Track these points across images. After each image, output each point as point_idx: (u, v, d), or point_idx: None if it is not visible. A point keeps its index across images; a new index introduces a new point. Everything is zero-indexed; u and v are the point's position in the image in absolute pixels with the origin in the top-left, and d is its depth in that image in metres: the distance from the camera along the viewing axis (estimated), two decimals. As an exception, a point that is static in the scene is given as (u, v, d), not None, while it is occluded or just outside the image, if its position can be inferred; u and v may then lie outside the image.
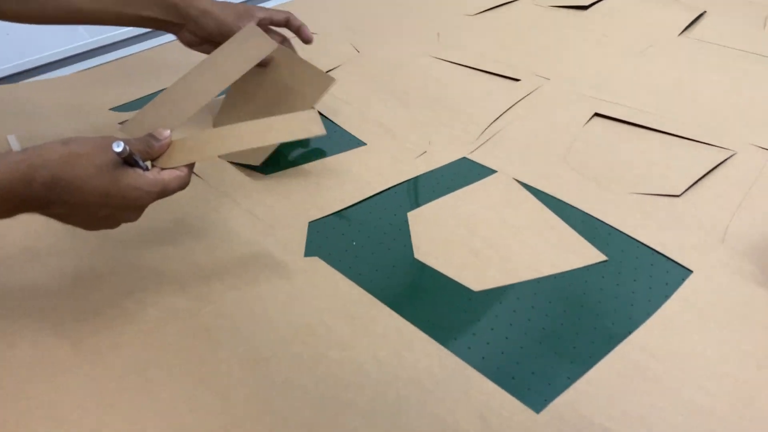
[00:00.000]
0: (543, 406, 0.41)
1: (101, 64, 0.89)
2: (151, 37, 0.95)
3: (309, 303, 0.50)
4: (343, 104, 0.75)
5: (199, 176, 0.63)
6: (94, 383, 0.43)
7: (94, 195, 0.43)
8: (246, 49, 0.52)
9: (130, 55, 0.90)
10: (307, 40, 0.68)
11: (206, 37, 0.64)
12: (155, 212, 0.49)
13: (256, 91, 0.66)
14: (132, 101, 0.78)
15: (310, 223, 0.58)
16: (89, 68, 0.87)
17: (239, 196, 0.61)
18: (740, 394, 0.41)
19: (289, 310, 0.49)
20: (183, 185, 0.47)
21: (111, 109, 0.77)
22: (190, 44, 0.66)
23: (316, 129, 0.47)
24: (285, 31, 0.69)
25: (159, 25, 0.65)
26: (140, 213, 0.46)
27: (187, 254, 0.54)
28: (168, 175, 0.46)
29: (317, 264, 0.53)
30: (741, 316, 0.47)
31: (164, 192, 0.46)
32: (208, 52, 0.64)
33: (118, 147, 0.42)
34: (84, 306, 0.49)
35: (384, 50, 0.87)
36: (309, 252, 0.55)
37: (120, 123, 0.73)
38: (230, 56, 0.52)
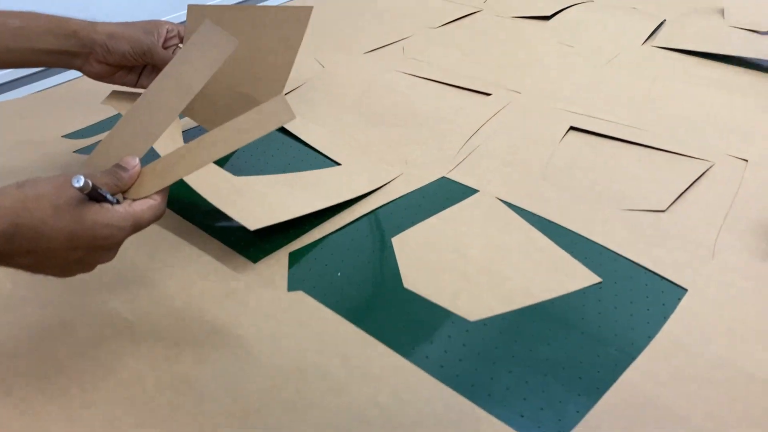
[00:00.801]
0: (556, 445, 0.39)
1: (51, 87, 0.83)
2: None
3: (297, 343, 0.47)
4: (312, 123, 0.72)
5: (176, 214, 0.59)
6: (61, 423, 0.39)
7: (60, 239, 0.38)
8: (205, 52, 0.47)
9: (81, 77, 0.85)
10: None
11: (119, 62, 0.59)
12: (123, 249, 0.45)
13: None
14: (87, 127, 0.73)
15: (290, 253, 0.55)
16: (38, 92, 0.82)
17: (212, 229, 0.57)
18: (752, 417, 0.41)
19: (276, 352, 0.46)
20: (158, 214, 0.43)
21: (64, 136, 0.72)
22: (100, 76, 0.60)
23: (287, 115, 0.44)
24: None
25: (59, 60, 0.58)
26: (115, 251, 0.42)
27: (161, 295, 0.51)
28: (140, 206, 0.42)
29: (302, 299, 0.50)
30: (743, 335, 0.46)
31: (138, 225, 0.42)
32: (123, 81, 0.60)
33: (78, 182, 0.38)
34: (51, 360, 0.45)
35: (349, 66, 0.84)
36: (292, 286, 0.52)
37: (75, 151, 0.69)
38: (190, 63, 0.47)
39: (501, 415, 0.41)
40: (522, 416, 0.41)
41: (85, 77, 0.61)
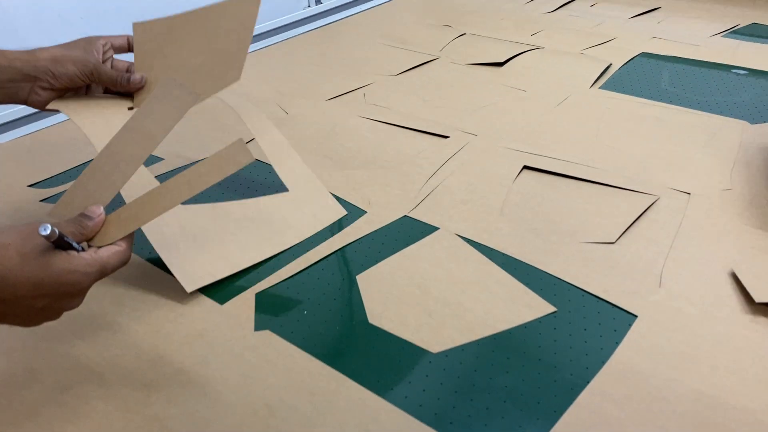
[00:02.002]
0: (517, 468, 0.41)
1: (15, 139, 0.84)
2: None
3: (265, 381, 0.48)
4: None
5: (146, 261, 0.60)
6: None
7: (26, 286, 0.39)
8: (167, 105, 0.49)
9: (46, 128, 0.86)
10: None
11: (66, 85, 0.58)
12: (90, 295, 0.46)
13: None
14: (52, 177, 0.74)
15: (257, 294, 0.56)
16: (3, 143, 0.83)
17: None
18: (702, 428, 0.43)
19: (244, 390, 0.47)
20: (124, 260, 0.44)
21: (30, 185, 0.72)
22: (45, 102, 0.59)
23: (245, 158, 0.46)
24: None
25: (2, 95, 0.57)
26: (82, 298, 0.43)
27: (128, 338, 0.51)
28: (106, 253, 0.43)
29: (269, 338, 0.52)
30: (690, 356, 0.49)
31: (104, 271, 0.43)
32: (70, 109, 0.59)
33: (45, 230, 0.39)
34: (19, 407, 0.45)
35: (313, 112, 0.87)
36: (259, 325, 0.53)
37: (41, 200, 0.69)
38: (152, 116, 0.49)
39: (464, 442, 0.42)
40: (484, 442, 0.43)
41: (50, 129, 0.62)
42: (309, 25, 1.25)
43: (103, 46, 0.61)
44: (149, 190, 0.47)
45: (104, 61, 0.61)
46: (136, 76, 0.61)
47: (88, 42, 0.60)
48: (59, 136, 0.84)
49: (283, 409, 0.45)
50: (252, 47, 1.13)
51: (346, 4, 1.37)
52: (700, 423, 0.43)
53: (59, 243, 0.41)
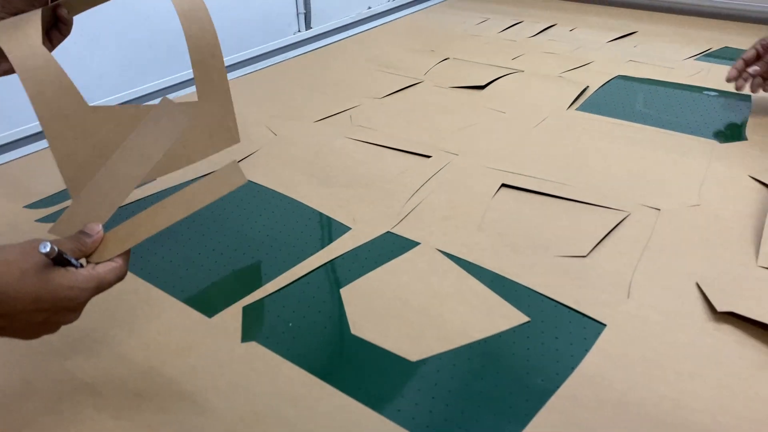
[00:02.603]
0: (489, 467, 0.43)
1: (9, 161, 0.87)
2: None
3: (251, 389, 0.50)
4: (266, 187, 0.77)
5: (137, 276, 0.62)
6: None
7: (25, 301, 0.41)
8: (163, 125, 0.51)
9: (40, 150, 0.89)
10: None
11: (19, 8, 0.54)
12: (86, 310, 0.48)
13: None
14: (48, 197, 0.77)
15: (244, 307, 0.58)
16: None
17: (171, 287, 0.61)
18: (666, 426, 0.45)
19: (232, 398, 0.49)
20: (120, 276, 0.46)
21: (26, 206, 0.75)
22: None
23: (239, 180, 0.49)
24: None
25: None
26: (79, 312, 0.45)
27: (120, 351, 0.54)
28: (103, 268, 0.45)
29: (256, 349, 0.54)
30: (655, 362, 0.51)
31: (101, 286, 0.45)
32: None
33: (45, 248, 0.41)
34: (15, 417, 0.47)
35: (301, 133, 0.90)
36: (246, 337, 0.55)
37: (37, 220, 0.72)
38: (149, 136, 0.51)
39: (440, 444, 0.45)
40: (458, 443, 0.45)
41: (44, 151, 0.64)
42: (299, 49, 1.29)
43: None
44: (147, 209, 0.49)
45: None
46: None
47: None
48: (52, 158, 0.86)
49: (269, 415, 0.48)
50: (243, 71, 1.17)
51: (335, 29, 1.42)
52: (664, 425, 0.46)
53: (58, 260, 0.42)
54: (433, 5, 1.58)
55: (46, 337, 0.46)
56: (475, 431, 0.46)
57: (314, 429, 0.46)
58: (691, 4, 1.39)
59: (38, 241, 0.41)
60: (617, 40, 1.27)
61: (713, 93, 1.01)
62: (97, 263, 0.46)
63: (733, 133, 0.88)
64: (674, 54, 1.18)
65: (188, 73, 1.15)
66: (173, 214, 0.48)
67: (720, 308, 0.55)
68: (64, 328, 0.47)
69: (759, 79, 0.92)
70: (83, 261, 0.47)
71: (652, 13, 1.42)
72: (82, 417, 0.47)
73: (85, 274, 0.44)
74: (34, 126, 0.94)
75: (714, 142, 0.86)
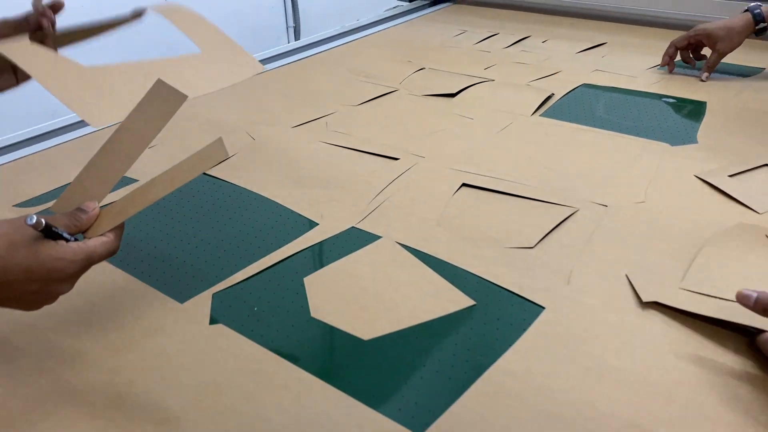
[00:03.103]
0: (424, 429, 0.48)
1: (2, 164, 0.92)
2: (51, 137, 0.99)
3: (215, 365, 0.55)
4: (241, 186, 0.82)
5: (114, 266, 0.67)
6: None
7: (16, 272, 0.45)
8: (157, 106, 0.54)
9: (28, 155, 0.94)
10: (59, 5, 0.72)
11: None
12: (68, 297, 0.52)
13: None
14: (35, 197, 0.82)
15: (213, 294, 0.63)
16: (-10, 167, 0.90)
17: (147, 276, 0.66)
18: (583, 399, 0.50)
19: (197, 372, 0.54)
20: (111, 250, 0.50)
21: (14, 205, 0.80)
22: None
23: (222, 155, 0.53)
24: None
25: None
26: (71, 283, 0.48)
27: (97, 332, 0.58)
28: (93, 242, 0.48)
29: (222, 330, 0.59)
30: (584, 339, 0.56)
31: (90, 258, 0.48)
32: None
33: (31, 220, 0.44)
34: (-3, 386, 0.52)
35: (278, 138, 0.95)
36: (214, 320, 0.60)
37: (14, 205, 0.77)
38: (143, 117, 0.54)
39: (381, 409, 0.49)
40: (399, 410, 0.50)
41: (33, 156, 0.69)
42: (283, 59, 1.34)
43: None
44: (141, 185, 0.53)
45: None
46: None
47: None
48: (41, 162, 0.92)
49: (229, 386, 0.52)
50: (227, 81, 1.22)
51: (318, 41, 1.47)
52: (589, 392, 0.51)
53: (48, 233, 0.46)
54: (415, 18, 1.64)
55: (34, 314, 0.51)
56: (415, 398, 0.51)
57: (270, 398, 0.51)
58: (659, 17, 1.45)
59: (26, 216, 0.45)
60: (586, 51, 1.33)
61: (671, 100, 1.06)
62: (89, 238, 0.50)
63: (685, 136, 0.94)
64: (639, 64, 1.23)
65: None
66: (162, 189, 0.52)
67: (645, 299, 0.60)
68: (50, 309, 0.51)
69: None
70: (81, 237, 0.50)
71: (621, 25, 1.48)
72: (60, 390, 0.52)
73: (74, 246, 0.47)
74: (22, 133, 1.00)
75: (666, 145, 0.91)
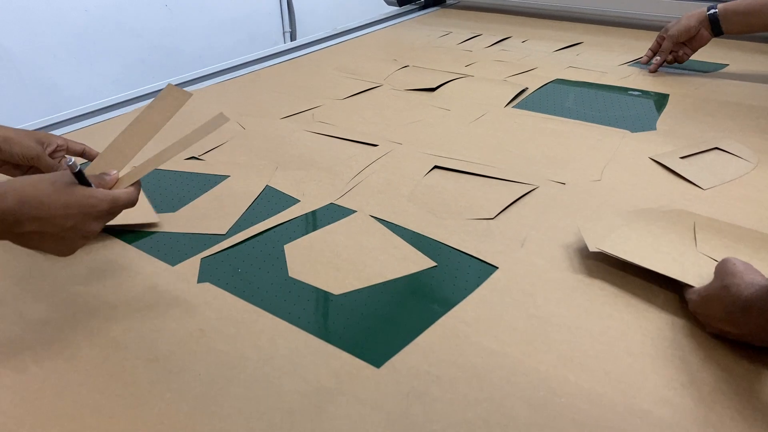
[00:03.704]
0: (382, 363, 0.55)
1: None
2: (66, 124, 1.07)
3: (201, 314, 0.62)
4: (230, 169, 0.89)
5: (113, 237, 0.74)
6: (17, 391, 0.53)
7: (57, 207, 0.53)
8: (166, 103, 0.64)
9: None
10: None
11: (7, 159, 0.71)
12: (74, 261, 0.59)
13: None
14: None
15: (202, 259, 0.70)
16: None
17: (142, 245, 0.73)
18: (524, 340, 0.57)
19: (185, 320, 0.61)
20: (131, 199, 0.58)
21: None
22: None
23: (222, 120, 0.63)
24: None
25: None
26: (100, 223, 0.56)
27: (95, 290, 0.65)
28: (117, 191, 0.58)
29: (208, 287, 0.66)
30: (530, 292, 0.63)
31: (116, 202, 0.57)
32: (9, 173, 0.73)
33: (70, 161, 0.53)
34: (12, 330, 0.59)
35: (266, 127, 1.03)
36: (201, 279, 0.67)
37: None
38: (154, 112, 0.64)
39: (346, 348, 0.56)
40: (362, 348, 0.56)
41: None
42: (278, 58, 1.42)
43: (59, 145, 0.75)
44: (155, 154, 0.62)
45: (54, 157, 0.75)
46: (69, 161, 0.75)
47: (47, 136, 0.75)
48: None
49: (212, 331, 0.59)
50: (224, 77, 1.30)
51: (311, 42, 1.55)
52: (531, 333, 0.57)
53: (81, 181, 0.55)
54: (403, 21, 1.72)
55: (53, 272, 0.58)
56: (377, 339, 0.57)
57: (248, 340, 0.58)
58: (633, 19, 1.52)
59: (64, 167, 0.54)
60: (563, 50, 1.40)
61: (636, 93, 1.13)
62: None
63: (645, 124, 1.01)
64: (611, 61, 1.31)
65: (175, 78, 1.27)
66: (171, 152, 0.61)
67: (591, 248, 0.66)
68: (60, 274, 0.58)
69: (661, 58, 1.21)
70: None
71: (598, 26, 1.55)
72: (64, 336, 0.59)
73: (101, 189, 0.56)
74: (39, 122, 1.07)
75: (626, 132, 0.98)
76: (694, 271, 0.61)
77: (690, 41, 1.18)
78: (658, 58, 1.22)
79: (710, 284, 0.57)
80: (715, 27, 1.14)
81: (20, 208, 0.52)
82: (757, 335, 0.53)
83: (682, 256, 0.64)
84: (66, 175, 0.55)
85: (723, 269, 0.55)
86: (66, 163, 0.54)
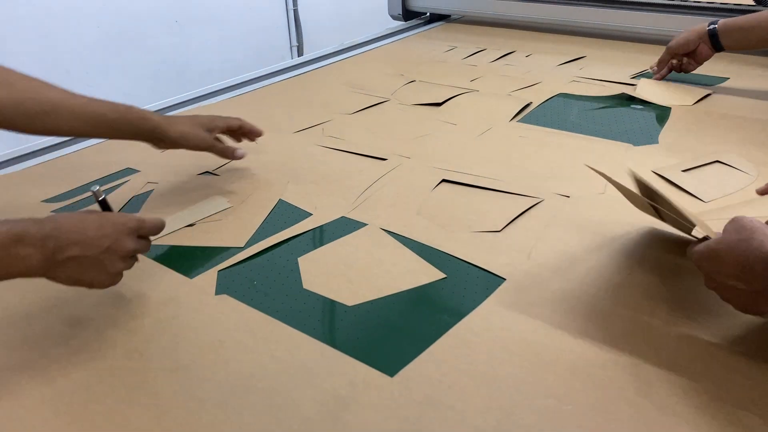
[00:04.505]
0: (395, 372, 0.57)
1: (30, 167, 1.02)
2: (74, 143, 1.10)
3: (220, 326, 0.64)
4: (244, 184, 0.91)
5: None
6: (47, 404, 0.55)
7: (92, 228, 0.58)
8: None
9: (53, 159, 1.04)
10: (258, 134, 0.94)
11: (181, 148, 0.85)
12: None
13: None
14: (61, 193, 0.92)
15: (219, 271, 0.73)
16: (19, 171, 1.01)
17: (161, 258, 0.75)
18: (531, 350, 0.59)
19: (203, 332, 0.63)
20: (157, 225, 0.65)
21: (43, 201, 0.90)
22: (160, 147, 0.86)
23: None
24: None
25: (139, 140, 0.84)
26: (132, 241, 0.61)
27: (121, 301, 0.68)
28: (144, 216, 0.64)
29: (226, 299, 0.68)
30: (537, 304, 0.65)
31: (142, 223, 0.62)
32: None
33: (95, 188, 0.59)
34: (31, 333, 0.61)
35: (279, 142, 1.05)
36: (219, 291, 0.69)
37: (52, 211, 0.87)
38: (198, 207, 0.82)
39: (360, 358, 0.59)
40: (375, 358, 0.59)
41: (60, 158, 0.81)
42: (287, 73, 1.45)
43: (221, 128, 0.89)
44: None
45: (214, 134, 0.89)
46: (241, 151, 0.91)
47: (210, 120, 0.87)
48: (67, 164, 1.02)
49: (231, 341, 0.61)
50: (235, 92, 1.33)
51: (319, 57, 1.58)
52: (537, 345, 0.59)
53: (104, 207, 0.61)
54: (408, 36, 1.75)
55: (74, 295, 0.61)
56: (391, 350, 0.60)
57: (265, 350, 0.60)
58: (636, 33, 1.54)
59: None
60: (566, 64, 1.42)
61: (639, 107, 1.16)
62: None
63: (648, 138, 1.03)
64: (613, 74, 1.33)
65: (187, 94, 1.30)
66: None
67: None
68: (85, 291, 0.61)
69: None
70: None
71: (602, 40, 1.58)
72: (90, 344, 0.61)
73: (125, 213, 0.62)
74: (46, 140, 1.10)
75: (629, 146, 1.00)
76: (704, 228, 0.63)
77: (692, 55, 1.20)
78: (664, 71, 1.25)
79: (722, 238, 0.56)
80: (714, 42, 1.16)
81: (59, 233, 0.55)
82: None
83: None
84: (91, 209, 0.60)
85: (738, 225, 0.55)
86: (91, 189, 0.57)
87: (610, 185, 0.87)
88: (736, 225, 0.56)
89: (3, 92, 0.72)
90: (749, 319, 0.61)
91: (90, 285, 0.60)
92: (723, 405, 0.52)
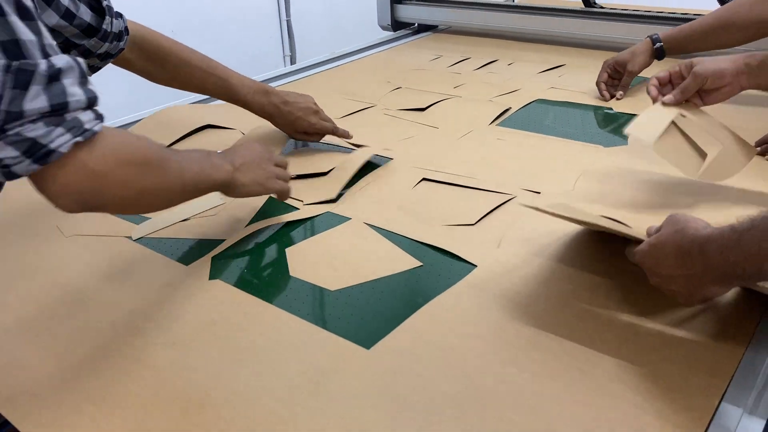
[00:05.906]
0: (371, 345, 0.63)
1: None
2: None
3: (213, 307, 0.70)
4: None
5: (133, 241, 0.83)
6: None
7: (247, 146, 0.81)
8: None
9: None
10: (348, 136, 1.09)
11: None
12: (97, 262, 0.67)
13: None
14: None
15: (212, 258, 0.78)
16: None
17: (158, 248, 0.81)
18: (496, 326, 0.65)
19: (198, 313, 0.69)
20: (284, 159, 0.88)
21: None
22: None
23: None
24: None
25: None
26: (272, 166, 0.82)
27: (118, 285, 0.74)
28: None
29: (219, 284, 0.74)
30: (504, 287, 0.71)
31: (281, 162, 0.85)
32: None
33: None
34: (41, 315, 0.67)
35: (267, 143, 1.11)
36: (212, 277, 0.75)
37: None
38: None
39: (342, 334, 0.65)
40: (355, 333, 0.65)
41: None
42: (280, 80, 1.51)
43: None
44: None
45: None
46: (343, 129, 1.08)
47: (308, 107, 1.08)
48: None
49: (224, 322, 0.67)
50: (227, 100, 1.39)
51: (310, 65, 1.64)
52: (502, 321, 0.66)
53: None
54: (397, 45, 1.82)
55: (85, 288, 0.67)
56: (369, 327, 0.66)
57: (256, 329, 0.66)
58: (614, 42, 1.61)
59: None
60: (546, 72, 1.49)
61: (612, 111, 1.22)
62: None
63: (617, 140, 1.09)
64: (590, 82, 1.39)
65: (184, 99, 1.36)
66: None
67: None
68: (78, 280, 0.67)
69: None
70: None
71: (581, 49, 1.65)
72: (101, 324, 0.67)
73: None
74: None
75: (600, 147, 1.07)
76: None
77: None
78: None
79: (660, 233, 0.62)
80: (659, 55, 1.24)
81: (229, 151, 0.79)
82: (706, 274, 0.58)
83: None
84: None
85: (673, 220, 0.61)
86: None
87: (580, 182, 0.94)
88: (671, 220, 0.63)
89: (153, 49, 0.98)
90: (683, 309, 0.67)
91: (263, 184, 0.78)
92: (661, 374, 0.59)
